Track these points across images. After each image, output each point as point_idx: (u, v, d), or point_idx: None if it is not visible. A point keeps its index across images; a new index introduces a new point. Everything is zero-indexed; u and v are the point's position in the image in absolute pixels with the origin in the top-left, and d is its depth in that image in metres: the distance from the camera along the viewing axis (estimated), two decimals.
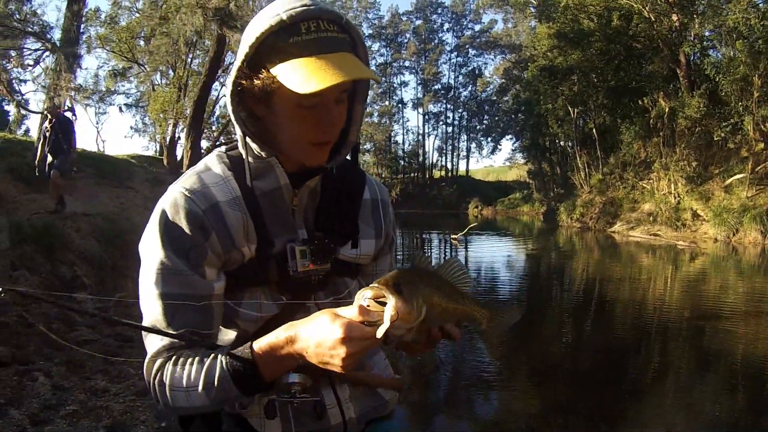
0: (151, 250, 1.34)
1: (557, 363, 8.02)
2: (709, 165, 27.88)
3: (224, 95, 43.08)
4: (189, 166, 14.71)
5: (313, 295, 1.47)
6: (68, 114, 13.97)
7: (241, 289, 1.42)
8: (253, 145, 1.40)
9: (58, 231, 9.26)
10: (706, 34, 29.86)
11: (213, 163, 1.46)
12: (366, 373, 1.53)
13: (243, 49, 1.30)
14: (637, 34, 32.06)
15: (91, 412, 4.85)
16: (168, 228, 1.33)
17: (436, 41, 78.86)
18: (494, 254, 22.69)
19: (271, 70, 1.29)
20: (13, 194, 8.50)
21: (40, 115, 14.80)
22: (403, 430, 1.84)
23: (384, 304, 1.15)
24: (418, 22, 78.15)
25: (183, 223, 1.33)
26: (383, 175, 74.26)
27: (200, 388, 1.27)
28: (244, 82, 1.33)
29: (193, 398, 1.28)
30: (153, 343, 1.33)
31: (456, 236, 26.61)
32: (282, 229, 1.44)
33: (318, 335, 1.18)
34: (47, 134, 11.39)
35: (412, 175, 77.57)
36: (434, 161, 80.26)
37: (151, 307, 1.33)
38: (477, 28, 76.78)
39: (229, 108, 1.39)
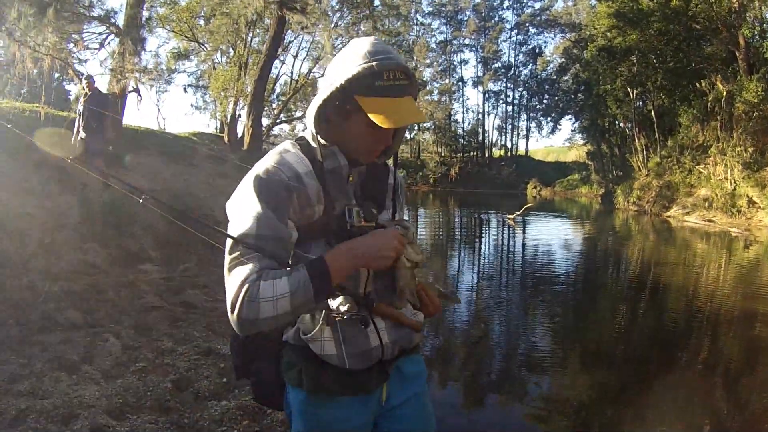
0: (247, 203, 1.78)
1: (609, 347, 8.15)
2: (767, 151, 27.24)
3: (284, 73, 43.54)
4: (250, 144, 15.39)
5: None
6: (126, 91, 14.55)
7: (311, 239, 1.88)
8: (321, 140, 1.90)
9: (126, 207, 9.80)
10: (767, 15, 29.21)
11: (290, 147, 1.93)
12: (395, 310, 1.97)
13: (339, 79, 1.80)
14: (697, 15, 31.22)
15: (159, 368, 5.40)
16: (262, 188, 1.78)
17: (496, 19, 77.93)
18: (551, 235, 22.76)
19: (358, 99, 1.79)
20: (80, 172, 9.04)
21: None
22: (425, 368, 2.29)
23: None
24: (478, 0, 77.51)
25: (274, 185, 1.78)
26: (443, 154, 74.12)
27: (288, 293, 1.67)
28: (336, 101, 1.84)
29: (279, 306, 1.68)
30: (240, 273, 1.70)
31: (512, 216, 26.78)
32: (341, 196, 1.93)
33: (376, 235, 1.81)
34: (81, 110, 11.43)
35: (472, 154, 77.14)
36: (494, 140, 79.97)
37: (246, 239, 1.75)
38: (537, 5, 75.94)
39: (313, 114, 1.89)
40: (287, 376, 1.98)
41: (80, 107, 11.53)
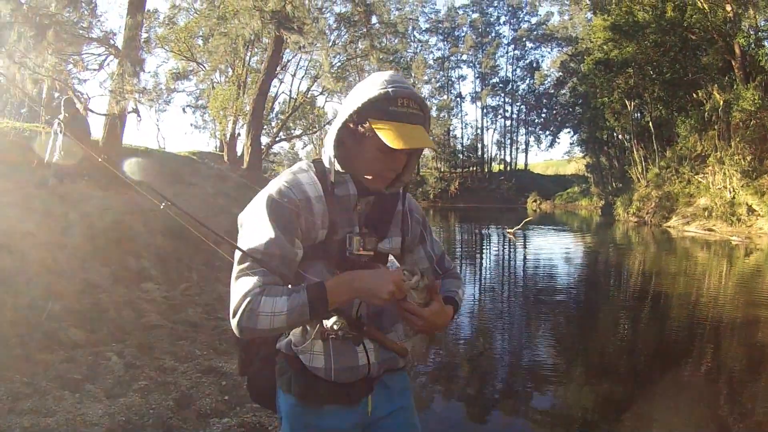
0: (259, 220, 1.89)
1: (612, 359, 8.12)
2: (765, 159, 27.31)
3: (283, 92, 43.62)
4: (249, 162, 15.31)
5: None
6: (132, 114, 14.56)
7: (311, 259, 1.96)
8: (337, 165, 1.97)
9: (127, 226, 9.82)
10: (761, 24, 29.34)
11: (304, 168, 2.02)
12: (383, 335, 2.07)
13: (356, 102, 1.89)
14: (692, 25, 31.46)
15: (161, 387, 5.41)
16: (273, 208, 1.88)
17: (493, 34, 78.58)
18: (551, 249, 22.75)
19: (372, 122, 1.87)
20: (81, 192, 9.12)
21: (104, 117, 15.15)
22: (411, 384, 2.36)
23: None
24: (475, 16, 77.98)
25: (285, 205, 1.88)
26: (442, 170, 74.25)
27: (285, 312, 1.79)
28: (351, 124, 1.92)
29: (276, 321, 1.79)
30: (245, 285, 1.82)
31: (512, 230, 26.82)
32: (346, 222, 1.99)
33: (377, 275, 1.85)
34: (57, 131, 10.35)
35: (471, 169, 77.41)
36: (493, 155, 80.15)
37: (254, 254, 1.85)
38: (533, 20, 76.51)
39: (333, 137, 1.97)
40: (279, 381, 2.10)
41: (56, 127, 10.64)
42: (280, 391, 2.11)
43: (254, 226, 1.90)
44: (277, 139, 42.61)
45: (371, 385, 2.11)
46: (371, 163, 1.94)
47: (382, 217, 2.11)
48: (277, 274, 1.85)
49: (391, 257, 2.19)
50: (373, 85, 1.89)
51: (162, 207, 2.29)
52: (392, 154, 1.88)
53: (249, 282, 1.82)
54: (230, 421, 4.75)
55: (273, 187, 1.93)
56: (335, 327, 1.92)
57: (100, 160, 2.53)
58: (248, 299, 1.79)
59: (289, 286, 1.87)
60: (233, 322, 1.82)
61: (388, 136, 1.83)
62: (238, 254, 1.88)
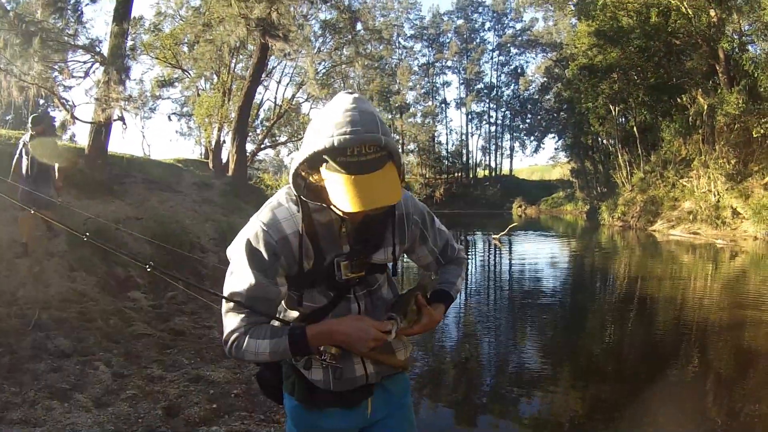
0: (239, 267, 1.92)
1: (598, 363, 8.16)
2: (749, 162, 27.53)
3: (268, 99, 43.42)
4: (235, 170, 15.34)
5: (353, 289, 2.06)
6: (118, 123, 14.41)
7: (303, 287, 2.01)
8: (303, 199, 1.90)
9: (112, 234, 9.77)
10: (745, 28, 29.52)
11: (283, 200, 1.97)
12: (378, 355, 2.07)
13: (304, 152, 1.77)
14: (676, 31, 31.68)
15: (149, 395, 5.40)
16: (252, 253, 1.90)
17: (477, 40, 78.62)
18: (536, 254, 22.80)
19: (323, 173, 1.77)
20: (67, 200, 9.08)
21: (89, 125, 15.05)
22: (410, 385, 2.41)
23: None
24: (460, 22, 77.99)
25: (262, 250, 1.89)
26: (427, 176, 74.26)
27: (267, 353, 1.90)
28: (303, 173, 1.85)
29: (260, 358, 1.92)
30: (232, 322, 1.92)
31: (497, 236, 26.87)
32: (332, 247, 1.98)
33: (357, 329, 1.87)
34: (22, 151, 9.27)
35: (456, 174, 77.35)
36: (478, 161, 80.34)
37: (237, 298, 1.92)
38: (518, 26, 76.54)
39: (291, 179, 1.88)
40: (285, 384, 2.17)
41: (21, 148, 9.28)
42: (285, 392, 2.19)
43: (236, 270, 1.95)
44: (262, 146, 42.47)
45: (371, 390, 2.16)
46: (338, 211, 1.86)
47: (374, 229, 2.05)
48: (261, 313, 1.93)
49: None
50: (325, 126, 1.72)
51: (148, 270, 2.46)
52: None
53: (234, 321, 1.93)
54: (219, 429, 4.74)
55: (251, 229, 1.94)
56: (332, 351, 1.94)
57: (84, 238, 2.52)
58: (234, 336, 1.92)
59: (274, 323, 2.01)
60: (225, 348, 1.96)
61: (338, 196, 1.73)
62: (225, 291, 1.95)
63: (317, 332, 1.89)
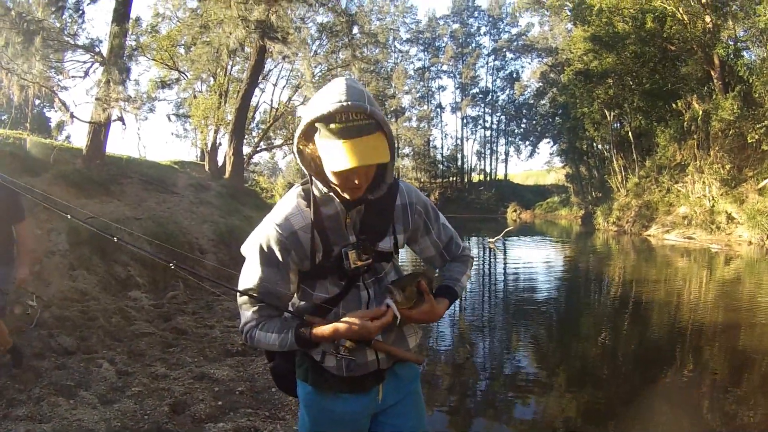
0: (252, 263, 2.09)
1: (594, 364, 8.16)
2: (744, 167, 27.65)
3: (264, 102, 43.59)
4: (231, 172, 15.24)
5: (362, 277, 2.16)
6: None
7: (315, 279, 2.14)
8: (318, 184, 2.02)
9: (112, 233, 9.74)
10: (740, 34, 29.64)
11: (293, 197, 2.11)
12: (389, 347, 2.18)
13: (301, 125, 1.93)
14: (671, 36, 31.81)
15: (155, 393, 5.40)
16: (263, 252, 2.06)
17: (473, 45, 78.90)
18: (531, 258, 22.77)
19: (317, 142, 1.93)
20: (66, 199, 9.06)
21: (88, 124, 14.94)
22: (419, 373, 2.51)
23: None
24: (455, 26, 78.33)
25: (274, 247, 2.04)
26: (422, 180, 74.35)
27: (276, 346, 2.10)
28: (301, 146, 2.01)
29: (272, 349, 2.13)
30: (246, 315, 2.12)
31: (492, 240, 26.85)
32: (339, 238, 2.09)
33: (359, 325, 1.99)
34: None
35: (451, 179, 77.60)
36: (473, 165, 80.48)
37: (251, 292, 2.10)
38: (514, 31, 76.84)
39: (297, 158, 2.04)
40: (297, 372, 2.29)
41: None
42: (298, 379, 2.30)
43: (249, 266, 2.11)
44: (258, 149, 42.45)
45: (382, 375, 2.25)
46: (333, 179, 1.96)
47: (379, 219, 2.17)
48: (272, 305, 2.11)
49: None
50: (314, 104, 1.90)
51: (171, 266, 2.73)
52: (345, 172, 1.88)
53: (248, 313, 2.13)
54: (226, 426, 4.72)
55: (263, 228, 2.09)
56: (344, 348, 2.10)
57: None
58: (247, 327, 2.13)
59: (287, 315, 2.17)
60: (241, 338, 2.29)
61: (328, 158, 1.88)
62: (240, 286, 2.13)
63: (321, 330, 2.04)
